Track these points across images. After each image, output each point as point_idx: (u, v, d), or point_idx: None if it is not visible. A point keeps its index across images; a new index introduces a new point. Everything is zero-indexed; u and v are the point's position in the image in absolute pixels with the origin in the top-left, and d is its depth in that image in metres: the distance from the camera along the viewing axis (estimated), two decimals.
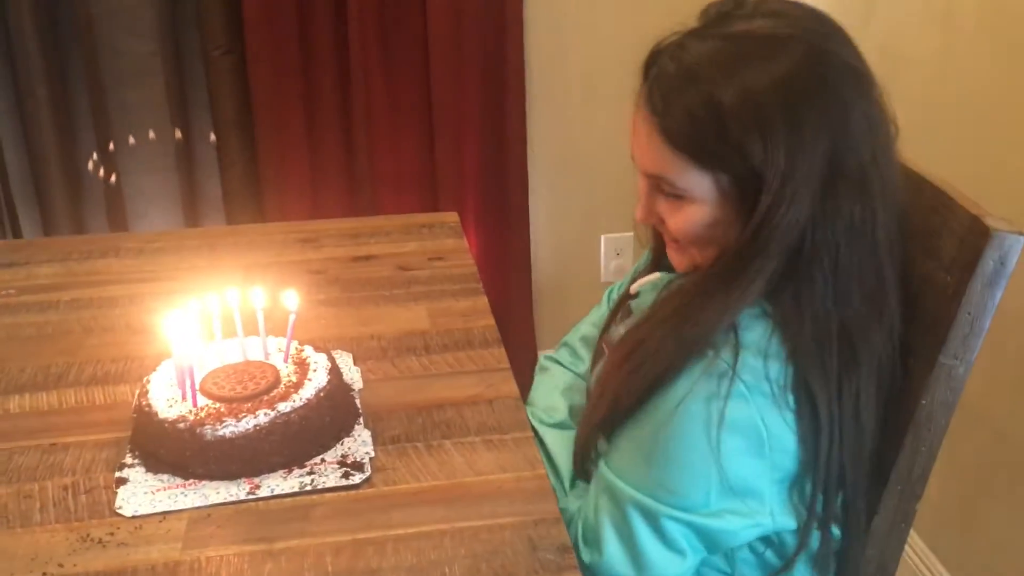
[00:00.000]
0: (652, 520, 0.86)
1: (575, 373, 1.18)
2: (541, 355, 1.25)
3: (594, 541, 0.90)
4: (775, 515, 0.86)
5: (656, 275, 1.01)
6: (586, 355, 1.19)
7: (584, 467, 0.96)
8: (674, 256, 0.95)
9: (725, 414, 0.81)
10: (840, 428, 0.84)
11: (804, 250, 0.83)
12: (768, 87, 0.81)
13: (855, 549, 0.93)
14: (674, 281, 0.96)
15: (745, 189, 0.83)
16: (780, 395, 0.83)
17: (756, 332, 0.84)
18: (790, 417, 0.83)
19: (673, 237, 0.92)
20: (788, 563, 0.90)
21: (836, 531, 0.91)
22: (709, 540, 0.87)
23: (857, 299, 0.85)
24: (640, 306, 0.99)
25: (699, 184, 0.85)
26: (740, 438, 0.82)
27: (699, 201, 0.86)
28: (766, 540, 0.89)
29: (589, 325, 1.21)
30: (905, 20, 1.61)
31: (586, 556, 0.90)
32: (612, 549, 0.88)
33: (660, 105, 0.84)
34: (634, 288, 1.04)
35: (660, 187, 0.89)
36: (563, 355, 1.21)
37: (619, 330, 0.99)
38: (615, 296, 1.21)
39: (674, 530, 0.86)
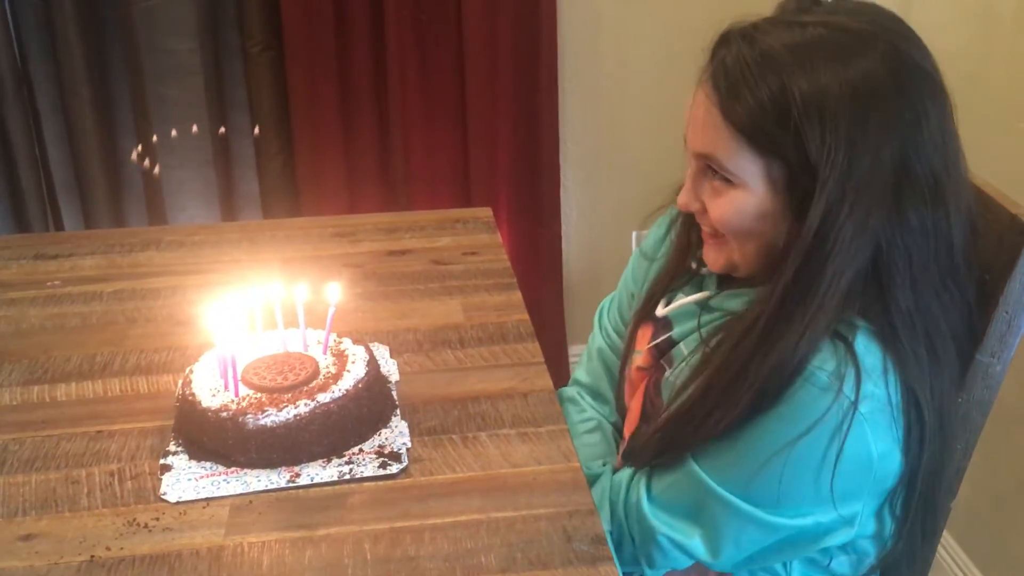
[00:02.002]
0: (737, 522, 0.86)
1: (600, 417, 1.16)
2: (563, 390, 1.21)
3: (668, 510, 0.90)
4: (862, 524, 0.86)
5: (692, 299, 0.99)
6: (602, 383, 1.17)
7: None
8: (710, 253, 0.94)
9: (844, 448, 0.80)
10: (934, 437, 0.84)
11: (881, 259, 0.82)
12: (842, 82, 0.79)
13: (919, 553, 0.93)
14: (713, 300, 0.95)
15: (796, 183, 0.82)
16: (899, 416, 0.82)
17: (875, 355, 0.82)
18: (900, 435, 0.82)
19: (713, 227, 0.90)
20: (871, 569, 0.90)
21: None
22: (795, 544, 0.87)
23: (935, 307, 0.84)
24: (684, 336, 0.97)
25: (750, 169, 0.84)
26: (849, 465, 0.81)
27: (747, 188, 0.85)
28: (841, 547, 0.89)
29: (601, 341, 1.18)
30: (943, 14, 1.59)
31: (659, 523, 0.90)
32: (695, 541, 0.89)
33: (725, 85, 0.83)
34: (664, 312, 1.01)
35: (709, 169, 0.87)
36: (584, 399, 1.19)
37: (682, 370, 0.94)
38: (610, 313, 1.20)
39: (758, 534, 0.86)
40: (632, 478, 0.95)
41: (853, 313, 0.83)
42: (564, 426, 1.01)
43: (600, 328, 1.20)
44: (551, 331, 2.20)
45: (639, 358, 1.04)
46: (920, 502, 0.86)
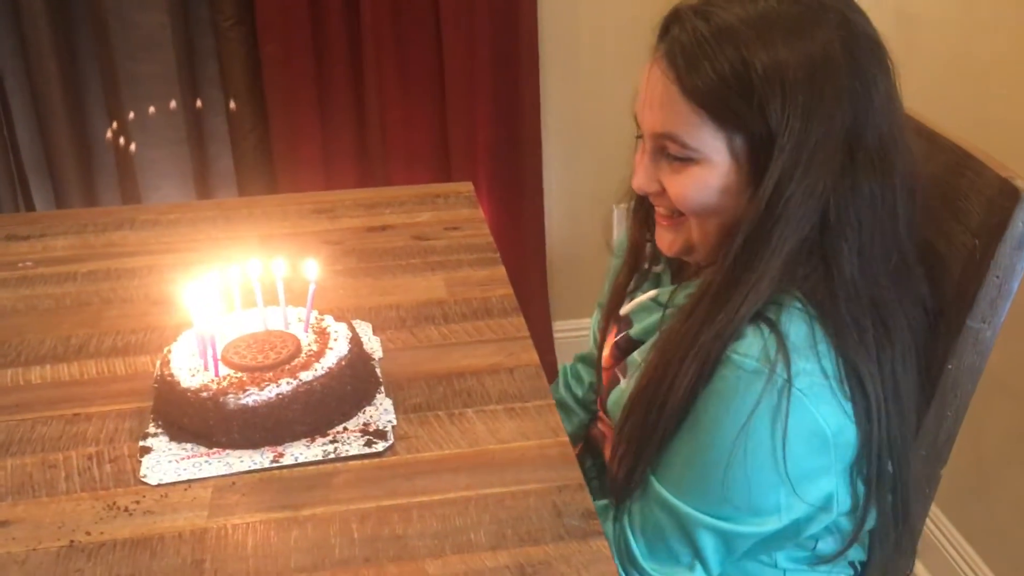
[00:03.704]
0: (722, 539, 0.85)
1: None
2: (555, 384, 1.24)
3: (655, 556, 0.88)
4: (839, 502, 0.85)
5: (648, 296, 0.99)
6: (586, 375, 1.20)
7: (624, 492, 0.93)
8: (665, 236, 0.93)
9: (788, 427, 0.79)
10: (886, 406, 0.83)
11: (828, 227, 0.82)
12: (799, 53, 0.80)
13: (905, 521, 0.92)
14: (670, 296, 0.95)
15: (758, 155, 0.82)
16: (838, 387, 0.81)
17: (800, 330, 0.82)
18: (848, 406, 0.82)
19: (672, 207, 0.90)
20: (849, 543, 0.90)
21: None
22: (778, 538, 0.86)
23: (883, 276, 0.84)
24: (645, 333, 0.97)
25: (712, 143, 0.84)
26: (805, 444, 0.81)
27: (709, 163, 0.84)
28: (824, 528, 0.89)
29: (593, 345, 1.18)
30: None
31: (648, 565, 0.89)
32: (679, 569, 0.87)
33: (683, 60, 0.83)
34: (625, 311, 1.02)
35: (666, 150, 0.87)
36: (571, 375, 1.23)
37: (635, 359, 0.96)
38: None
39: (744, 542, 0.86)
40: (615, 526, 0.92)
41: (794, 284, 0.83)
42: (551, 401, 0.99)
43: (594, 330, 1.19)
44: (535, 306, 2.19)
45: (604, 355, 1.05)
46: (884, 471, 0.85)
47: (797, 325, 0.82)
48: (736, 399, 0.81)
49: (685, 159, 0.86)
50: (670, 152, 0.86)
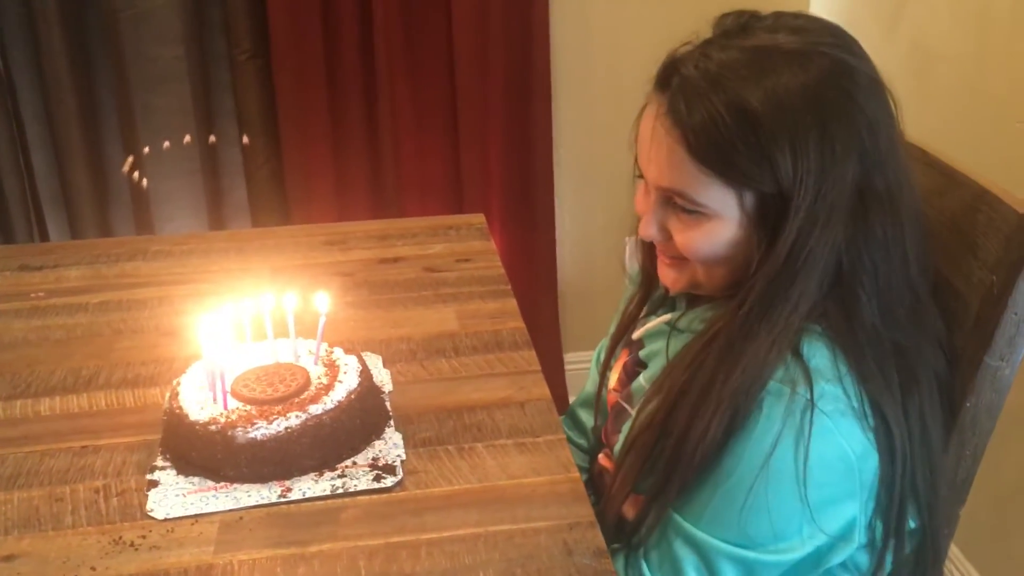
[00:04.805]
0: (744, 569, 0.84)
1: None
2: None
3: None
4: (860, 531, 0.84)
5: (661, 320, 0.99)
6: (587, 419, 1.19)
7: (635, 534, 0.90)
8: (670, 274, 0.92)
9: (811, 450, 0.78)
10: (911, 449, 0.82)
11: (843, 274, 0.81)
12: (798, 94, 0.79)
13: (929, 566, 0.90)
14: (682, 319, 0.93)
15: (770, 208, 0.81)
16: (861, 413, 0.80)
17: (823, 357, 0.81)
18: (871, 435, 0.81)
19: (678, 255, 0.89)
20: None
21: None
22: (801, 567, 0.84)
23: (903, 319, 0.83)
24: (653, 355, 0.96)
25: (722, 200, 0.83)
26: (829, 470, 0.80)
27: (720, 218, 0.84)
28: (842, 563, 0.87)
29: (591, 384, 1.17)
30: (937, 16, 1.58)
31: None
32: None
33: (688, 121, 0.81)
34: (638, 334, 1.02)
35: (673, 201, 0.86)
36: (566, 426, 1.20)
37: (640, 383, 0.95)
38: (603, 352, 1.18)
39: (766, 573, 0.84)
40: (629, 566, 0.90)
41: (811, 321, 0.82)
42: (562, 436, 0.98)
43: (594, 367, 1.17)
44: (547, 338, 2.18)
45: (612, 380, 1.04)
46: (904, 514, 0.84)
47: (820, 350, 0.81)
48: (760, 424, 0.80)
49: (694, 212, 0.85)
50: (678, 204, 0.86)
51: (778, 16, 0.85)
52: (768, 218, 0.82)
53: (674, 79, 0.83)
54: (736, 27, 0.84)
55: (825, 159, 0.79)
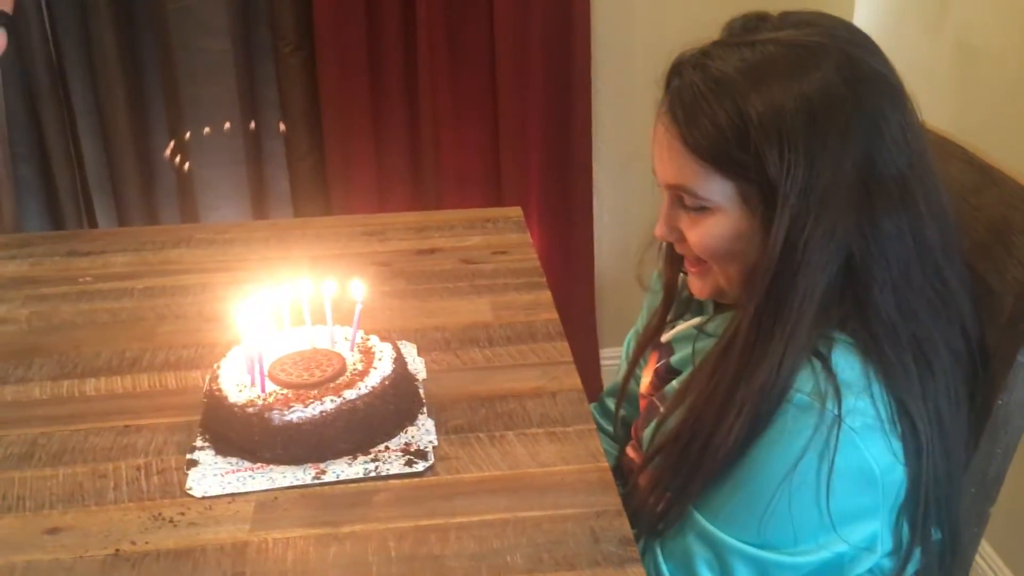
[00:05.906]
0: (758, 569, 0.84)
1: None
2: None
3: None
4: (883, 543, 0.84)
5: (690, 324, 0.99)
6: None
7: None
8: (695, 283, 0.94)
9: (836, 464, 0.79)
10: (932, 443, 0.82)
11: (854, 267, 0.81)
12: (796, 98, 0.79)
13: (952, 561, 0.90)
14: (709, 323, 0.95)
15: (768, 201, 0.82)
16: (891, 428, 0.80)
17: (853, 370, 0.81)
18: (897, 445, 0.81)
19: (694, 255, 0.90)
20: None
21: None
22: (822, 574, 0.84)
23: (922, 311, 0.83)
24: (685, 361, 0.97)
25: (722, 192, 0.84)
26: (852, 482, 0.80)
27: (722, 211, 0.85)
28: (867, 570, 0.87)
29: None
30: (982, 14, 1.56)
31: None
32: None
33: (682, 115, 0.84)
34: (666, 338, 1.03)
35: (682, 200, 0.88)
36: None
37: (673, 387, 0.96)
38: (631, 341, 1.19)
39: (783, 574, 0.84)
40: (645, 555, 0.90)
41: (832, 326, 0.82)
42: (592, 426, 0.99)
43: (624, 360, 1.19)
44: (583, 332, 2.19)
45: (644, 383, 1.05)
46: (931, 512, 0.84)
47: (851, 362, 0.81)
48: (786, 435, 0.80)
49: (700, 208, 0.86)
50: (686, 203, 0.88)
51: (785, 15, 0.85)
52: (768, 210, 0.82)
53: (675, 80, 0.86)
54: (743, 28, 0.86)
55: (814, 150, 0.79)
